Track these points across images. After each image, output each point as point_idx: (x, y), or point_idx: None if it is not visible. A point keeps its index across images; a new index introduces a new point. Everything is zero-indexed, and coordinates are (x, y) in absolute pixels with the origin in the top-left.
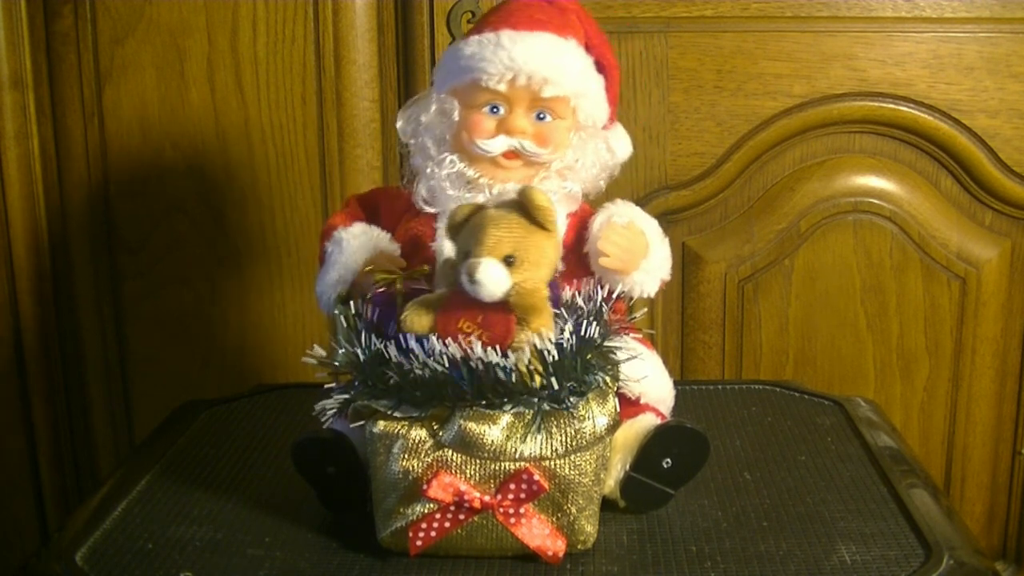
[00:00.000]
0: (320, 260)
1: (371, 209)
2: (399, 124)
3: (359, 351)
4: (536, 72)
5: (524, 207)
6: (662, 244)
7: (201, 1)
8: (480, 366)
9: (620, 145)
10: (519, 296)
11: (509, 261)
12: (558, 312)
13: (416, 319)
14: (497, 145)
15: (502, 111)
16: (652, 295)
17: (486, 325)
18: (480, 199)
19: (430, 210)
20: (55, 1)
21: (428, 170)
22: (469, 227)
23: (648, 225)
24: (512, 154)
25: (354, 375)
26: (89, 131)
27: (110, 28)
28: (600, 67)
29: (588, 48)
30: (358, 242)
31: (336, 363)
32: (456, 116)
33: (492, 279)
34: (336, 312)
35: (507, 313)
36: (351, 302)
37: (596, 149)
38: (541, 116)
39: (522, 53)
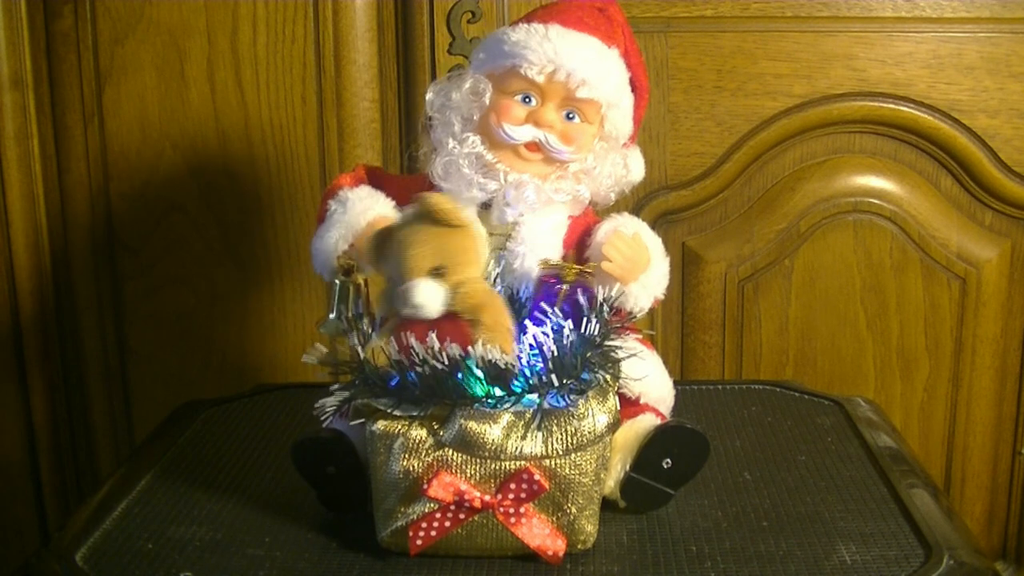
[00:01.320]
0: (319, 218)
1: (376, 186)
2: (428, 96)
3: (359, 350)
4: (576, 71)
5: (429, 215)
6: (662, 262)
7: (201, 1)
8: (483, 363)
9: (636, 166)
10: (460, 300)
11: (438, 273)
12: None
13: (377, 355)
14: (523, 133)
15: (534, 102)
16: (644, 310)
17: (442, 338)
18: (477, 194)
19: (443, 186)
20: (55, 1)
21: (449, 146)
22: (386, 256)
23: (652, 242)
24: (535, 146)
25: (353, 373)
26: (89, 131)
27: (110, 28)
28: (633, 86)
29: (627, 64)
30: (363, 204)
31: (323, 330)
32: (488, 98)
33: (428, 298)
34: (336, 281)
35: (456, 320)
36: (352, 273)
37: (614, 162)
38: (570, 116)
39: (567, 49)
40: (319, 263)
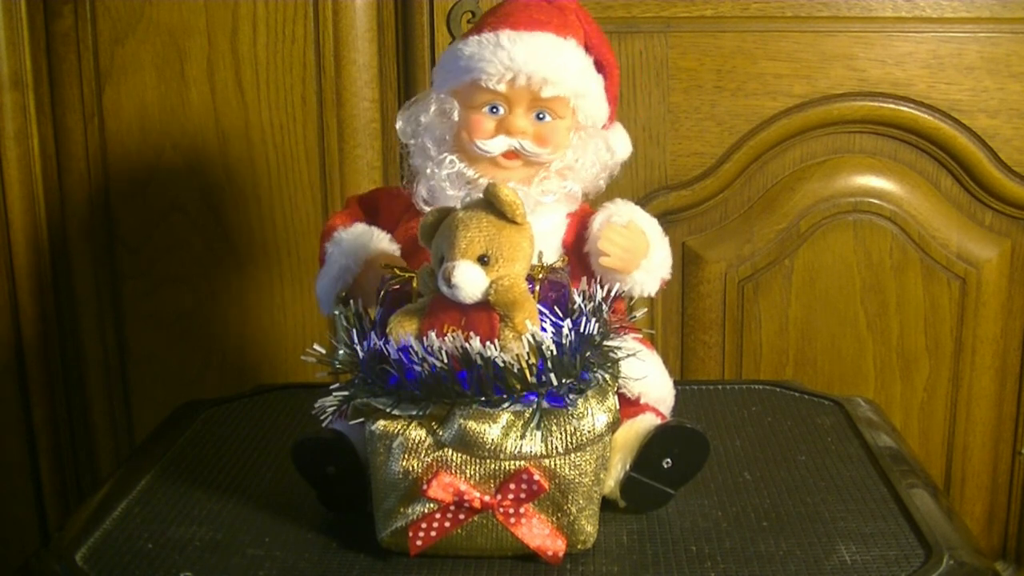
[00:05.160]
0: (320, 261)
1: (371, 209)
2: (399, 125)
3: (358, 348)
4: (535, 72)
5: (492, 204)
6: (662, 243)
7: (201, 1)
8: (480, 361)
9: (620, 145)
10: (498, 294)
11: (484, 260)
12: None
13: (400, 329)
14: (497, 145)
15: (502, 111)
16: (653, 294)
17: (470, 326)
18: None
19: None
20: (55, 1)
21: (428, 170)
22: (441, 232)
23: (648, 224)
24: (512, 154)
25: (353, 373)
26: (89, 131)
27: (110, 28)
28: (600, 67)
29: (588, 48)
30: (358, 242)
31: (336, 362)
32: (456, 116)
33: (469, 281)
34: (336, 312)
35: (489, 312)
36: (351, 302)
37: (596, 149)
38: (541, 116)
39: (521, 53)
40: (323, 306)
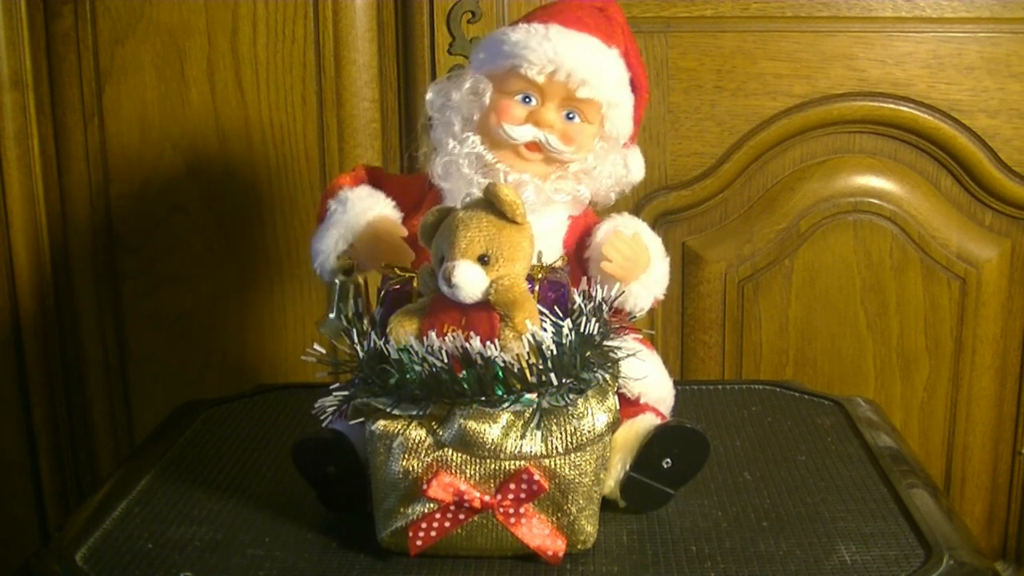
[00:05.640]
0: (319, 218)
1: (376, 186)
2: (429, 96)
3: (358, 348)
4: (576, 71)
5: (492, 204)
6: (663, 263)
7: (201, 1)
8: (480, 361)
9: (636, 166)
10: (498, 293)
11: (484, 260)
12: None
13: (401, 329)
14: (523, 133)
15: (534, 102)
16: (644, 310)
17: (470, 326)
18: (477, 194)
19: (443, 185)
20: (55, 1)
21: (449, 146)
22: (441, 232)
23: (653, 242)
24: (535, 146)
25: (353, 372)
26: (89, 131)
27: (110, 28)
28: (633, 86)
29: (627, 64)
30: (363, 204)
31: (323, 330)
32: (488, 98)
33: (469, 281)
34: (337, 281)
35: (489, 311)
36: (353, 272)
37: (614, 162)
38: (570, 116)
39: (567, 49)
40: (318, 263)
